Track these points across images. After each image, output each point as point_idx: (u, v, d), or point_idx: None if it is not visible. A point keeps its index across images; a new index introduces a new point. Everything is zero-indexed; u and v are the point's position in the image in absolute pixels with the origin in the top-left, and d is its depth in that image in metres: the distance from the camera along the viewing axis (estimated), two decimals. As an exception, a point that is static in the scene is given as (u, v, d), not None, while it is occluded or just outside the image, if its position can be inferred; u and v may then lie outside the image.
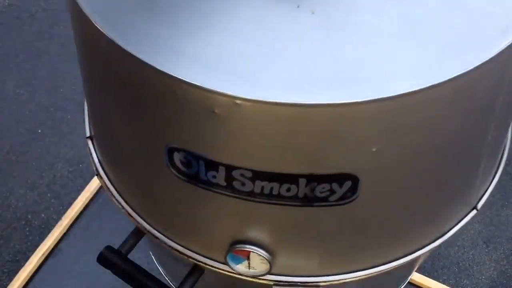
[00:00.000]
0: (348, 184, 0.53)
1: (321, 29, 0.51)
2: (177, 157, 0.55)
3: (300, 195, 0.54)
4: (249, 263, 0.63)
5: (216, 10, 0.53)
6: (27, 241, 1.85)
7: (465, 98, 0.52)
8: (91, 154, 0.75)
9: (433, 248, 0.69)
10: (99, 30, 0.51)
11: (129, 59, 0.50)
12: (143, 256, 1.15)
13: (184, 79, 0.48)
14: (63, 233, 1.47)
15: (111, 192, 0.72)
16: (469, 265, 1.85)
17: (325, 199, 0.54)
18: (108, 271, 0.73)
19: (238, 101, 0.47)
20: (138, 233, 0.74)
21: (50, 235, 1.47)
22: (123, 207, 0.71)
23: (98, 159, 0.74)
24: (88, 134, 0.75)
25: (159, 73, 0.49)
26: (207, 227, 0.64)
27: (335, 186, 0.53)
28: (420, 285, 1.40)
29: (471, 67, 0.48)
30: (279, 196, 0.54)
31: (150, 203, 0.68)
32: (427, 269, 1.79)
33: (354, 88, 0.47)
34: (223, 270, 0.66)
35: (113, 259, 0.72)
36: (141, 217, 0.70)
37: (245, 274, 0.65)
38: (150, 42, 0.51)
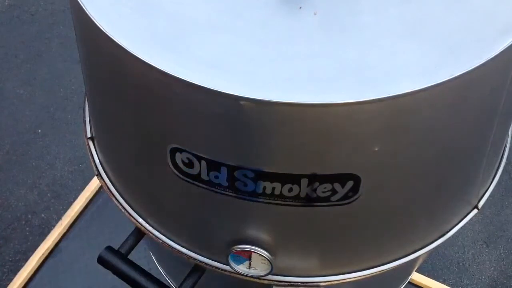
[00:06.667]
0: (350, 184, 0.53)
1: (323, 30, 0.51)
2: (179, 157, 0.55)
3: (302, 195, 0.54)
4: (250, 264, 0.63)
5: (218, 11, 0.53)
6: (27, 241, 1.85)
7: (467, 97, 0.52)
8: (91, 154, 0.75)
9: (434, 247, 0.69)
10: (101, 30, 0.51)
11: (131, 59, 0.50)
12: (143, 256, 1.15)
13: (186, 80, 0.48)
14: (63, 233, 1.46)
15: (111, 192, 0.72)
16: (469, 265, 1.85)
17: (326, 199, 0.54)
18: (108, 271, 0.73)
19: (240, 102, 0.47)
20: (138, 234, 0.73)
21: (50, 235, 1.46)
22: (123, 207, 0.71)
23: (99, 159, 0.74)
24: (88, 135, 0.75)
25: (162, 74, 0.48)
26: (208, 227, 0.64)
27: (337, 186, 0.53)
28: (420, 285, 1.40)
29: (473, 67, 0.48)
30: (281, 196, 0.54)
31: (151, 203, 0.68)
32: (427, 269, 1.79)
33: (356, 88, 0.47)
34: (224, 270, 0.66)
35: (113, 260, 0.72)
36: (141, 218, 0.70)
37: (246, 275, 0.65)
38: (153, 42, 0.51)
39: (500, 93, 0.56)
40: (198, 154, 0.53)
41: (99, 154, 0.74)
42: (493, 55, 0.49)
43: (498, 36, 0.50)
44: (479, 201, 0.71)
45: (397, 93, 0.47)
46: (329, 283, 0.66)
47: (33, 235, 1.86)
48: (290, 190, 0.53)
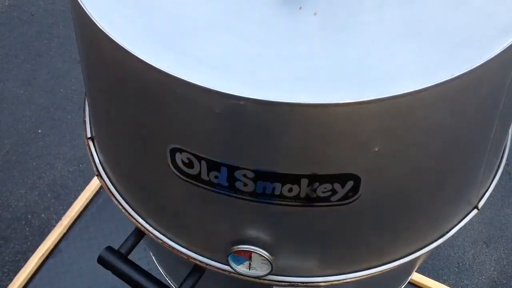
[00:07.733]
0: (350, 184, 0.53)
1: (323, 30, 0.51)
2: (179, 157, 0.55)
3: (302, 195, 0.54)
4: (250, 264, 0.63)
5: (218, 11, 0.53)
6: (27, 241, 1.85)
7: (467, 97, 0.52)
8: (91, 154, 0.75)
9: (434, 247, 0.69)
10: (102, 30, 0.51)
11: (131, 59, 0.50)
12: (143, 256, 1.15)
13: (187, 80, 0.48)
14: (63, 233, 1.46)
15: (111, 192, 0.72)
16: (469, 265, 1.85)
17: (326, 199, 0.54)
18: (108, 271, 0.73)
19: (241, 102, 0.47)
20: (138, 234, 0.74)
21: (50, 235, 1.47)
22: (123, 207, 0.71)
23: (99, 159, 0.74)
24: (88, 135, 0.75)
25: (162, 74, 0.48)
26: (208, 227, 0.64)
27: (337, 186, 0.53)
28: (420, 285, 1.40)
29: (473, 67, 0.48)
30: (281, 196, 0.54)
31: (151, 203, 0.68)
32: (427, 269, 1.79)
33: (357, 88, 0.47)
34: (224, 270, 0.66)
35: (113, 260, 0.72)
36: (141, 218, 0.70)
37: (246, 275, 0.65)
38: (153, 42, 0.51)
39: (500, 93, 0.56)
40: (198, 154, 0.53)
41: (99, 154, 0.74)
42: (493, 55, 0.49)
43: (498, 36, 0.50)
44: (479, 201, 0.71)
45: (397, 93, 0.47)
46: (329, 283, 0.66)
47: (33, 235, 1.86)
48: (290, 190, 0.53)
